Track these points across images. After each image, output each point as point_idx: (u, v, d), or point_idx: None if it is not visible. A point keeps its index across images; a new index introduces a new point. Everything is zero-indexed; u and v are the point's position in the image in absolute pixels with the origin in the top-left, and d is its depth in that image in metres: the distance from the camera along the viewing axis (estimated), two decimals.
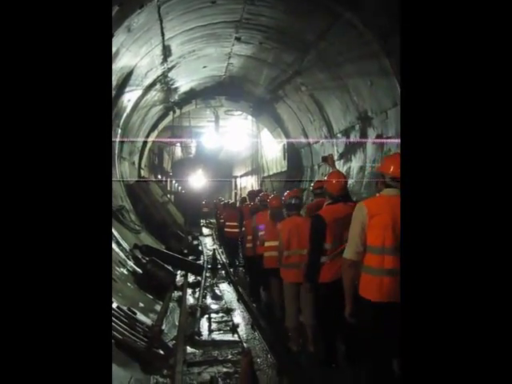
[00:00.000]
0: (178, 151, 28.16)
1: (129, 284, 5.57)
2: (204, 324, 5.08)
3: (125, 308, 4.45)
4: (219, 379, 3.50)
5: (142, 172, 14.82)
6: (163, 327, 4.65)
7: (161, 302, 5.58)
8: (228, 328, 4.97)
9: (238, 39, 9.51)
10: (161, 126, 15.12)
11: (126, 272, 5.90)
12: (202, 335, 4.55)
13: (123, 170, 11.07)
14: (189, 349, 4.07)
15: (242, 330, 4.93)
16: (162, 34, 8.28)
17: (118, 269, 5.67)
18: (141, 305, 5.08)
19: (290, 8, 7.74)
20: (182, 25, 8.27)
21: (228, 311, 5.69)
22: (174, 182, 30.22)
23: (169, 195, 23.25)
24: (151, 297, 5.72)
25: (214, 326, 5.10)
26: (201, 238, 16.37)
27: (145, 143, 14.43)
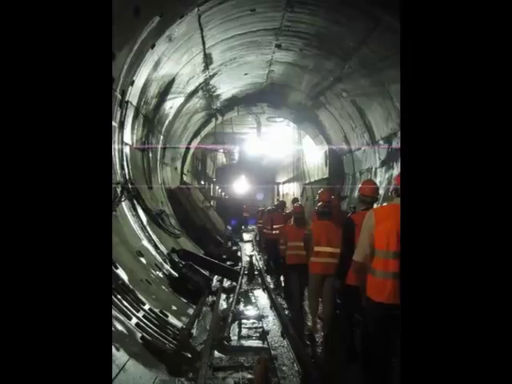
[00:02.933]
0: (222, 157, 28.58)
1: (163, 287, 5.68)
2: (235, 329, 5.10)
3: (157, 310, 4.55)
4: None
5: (185, 177, 15.13)
6: (194, 331, 4.70)
7: (194, 306, 5.64)
8: (258, 334, 4.95)
9: (278, 46, 9.55)
10: (203, 133, 15.40)
11: (161, 275, 6.02)
12: (231, 341, 4.55)
13: (165, 176, 11.34)
14: (216, 353, 4.09)
15: (271, 337, 4.89)
16: (203, 43, 8.45)
17: (153, 272, 5.80)
18: (174, 308, 5.17)
19: (329, 14, 7.70)
20: (223, 33, 8.41)
21: (260, 318, 5.67)
22: (217, 187, 30.67)
23: (212, 201, 23.66)
24: (185, 300, 5.80)
25: (244, 331, 5.10)
26: (241, 243, 16.44)
27: (187, 149, 14.73)
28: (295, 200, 10.91)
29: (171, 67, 8.44)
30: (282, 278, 7.85)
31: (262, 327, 5.24)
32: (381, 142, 9.52)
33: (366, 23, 7.26)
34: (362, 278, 3.13)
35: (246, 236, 20.10)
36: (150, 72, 7.65)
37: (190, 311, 5.41)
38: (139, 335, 3.67)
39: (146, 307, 4.38)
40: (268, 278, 8.88)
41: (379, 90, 8.72)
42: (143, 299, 4.48)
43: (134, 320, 3.90)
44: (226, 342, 4.39)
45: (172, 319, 4.65)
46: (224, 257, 10.89)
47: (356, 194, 11.45)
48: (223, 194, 32.73)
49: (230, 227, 18.99)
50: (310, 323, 5.45)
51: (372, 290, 2.98)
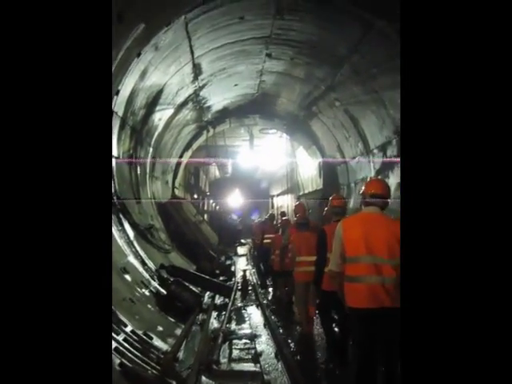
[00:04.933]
0: (215, 171, 28.32)
1: (149, 306, 5.33)
2: (225, 351, 4.74)
3: (140, 332, 4.21)
4: None
5: (177, 191, 14.81)
6: (180, 354, 4.36)
7: (183, 326, 5.30)
8: (250, 356, 4.59)
9: (268, 55, 9.36)
10: (195, 146, 15.14)
11: (147, 293, 5.67)
12: (220, 364, 4.21)
13: (155, 189, 11.04)
14: (204, 379, 3.74)
15: (264, 359, 4.54)
16: (192, 52, 8.24)
17: (139, 290, 5.45)
18: (159, 328, 4.81)
19: (320, 21, 7.53)
20: (211, 42, 8.21)
21: (252, 337, 5.32)
22: (211, 201, 30.35)
23: (205, 215, 23.31)
24: (173, 320, 5.45)
25: (235, 353, 4.74)
26: (235, 258, 16.08)
27: (179, 162, 14.45)
28: (283, 214, 11.77)
29: (159, 77, 8.20)
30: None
31: (254, 348, 4.91)
32: (375, 150, 9.30)
33: (357, 29, 7.08)
34: (339, 284, 3.23)
35: (241, 250, 19.73)
36: (137, 82, 7.40)
37: (178, 331, 5.06)
38: (117, 361, 3.33)
39: (128, 329, 4.04)
40: (262, 294, 8.55)
41: (372, 97, 8.53)
42: (125, 320, 4.14)
43: (113, 344, 3.57)
44: (214, 366, 4.04)
45: (157, 341, 4.30)
46: (217, 272, 10.56)
47: (351, 204, 11.24)
48: (217, 207, 32.42)
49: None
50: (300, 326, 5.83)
51: (349, 297, 3.09)
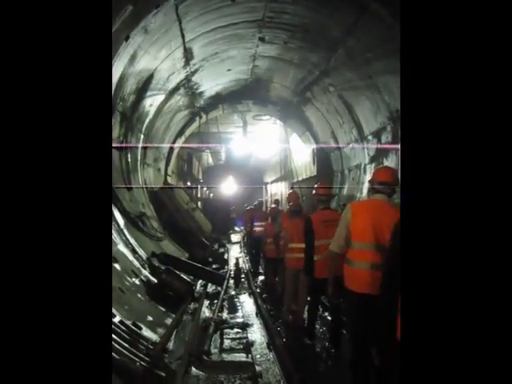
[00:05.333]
0: (209, 158, 28.12)
1: (139, 295, 5.23)
2: (217, 341, 4.67)
3: (129, 322, 4.12)
4: None
5: (169, 179, 14.65)
6: (171, 344, 4.29)
7: (173, 315, 5.21)
8: (242, 346, 4.52)
9: (261, 39, 9.15)
10: (188, 132, 14.93)
11: (138, 282, 5.57)
12: (211, 355, 4.13)
13: (147, 177, 10.88)
14: (193, 370, 3.67)
15: (256, 349, 4.48)
16: (182, 36, 8.02)
17: (128, 279, 5.35)
18: (149, 318, 4.73)
19: (313, 3, 7.33)
20: (203, 26, 7.99)
21: (244, 327, 5.25)
22: (204, 188, 30.21)
23: (199, 202, 23.18)
24: (163, 309, 5.36)
25: (226, 343, 4.67)
26: (228, 245, 16.03)
27: (171, 149, 14.26)
28: (276, 202, 11.80)
29: (149, 62, 7.99)
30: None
31: (246, 337, 4.84)
32: (370, 137, 9.19)
33: (351, 11, 6.91)
34: (334, 268, 3.35)
35: (235, 237, 19.67)
36: (126, 66, 7.19)
37: (169, 321, 4.98)
38: None
39: (116, 319, 3.95)
40: (255, 282, 8.49)
41: (367, 83, 8.39)
42: (113, 310, 4.04)
43: None
44: (205, 357, 3.97)
45: (146, 332, 4.21)
46: (210, 259, 10.50)
47: (345, 191, 11.16)
48: (211, 195, 32.29)
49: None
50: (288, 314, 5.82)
51: (349, 281, 3.15)
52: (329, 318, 5.15)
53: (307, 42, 8.81)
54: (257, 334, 5.06)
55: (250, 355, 4.26)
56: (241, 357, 4.26)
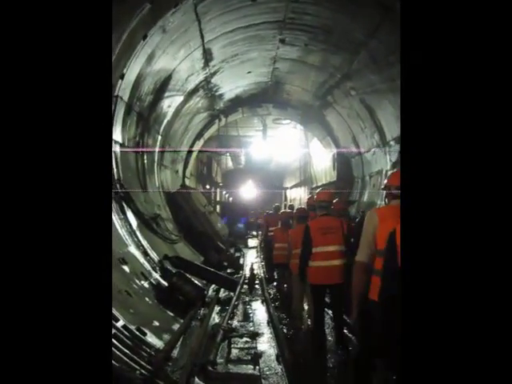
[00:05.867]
0: (228, 161, 28.06)
1: (147, 299, 5.07)
2: (224, 350, 4.47)
3: (133, 327, 3.97)
4: None
5: (188, 181, 14.60)
6: (176, 351, 4.11)
7: (182, 321, 5.05)
8: (249, 357, 4.29)
9: (282, 41, 8.99)
10: (207, 135, 14.86)
11: (147, 285, 5.43)
12: (216, 365, 3.93)
13: (163, 179, 10.81)
14: (197, 381, 3.47)
15: (264, 361, 4.25)
16: (202, 36, 7.91)
17: (137, 282, 5.21)
18: (155, 323, 4.56)
19: (336, 4, 7.14)
20: (222, 26, 7.87)
21: (254, 336, 5.04)
22: (224, 192, 30.18)
23: (217, 206, 23.11)
24: (172, 314, 5.20)
25: (234, 353, 4.46)
26: (245, 250, 15.84)
27: (190, 151, 14.20)
28: (291, 207, 12.01)
29: (167, 62, 7.91)
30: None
31: (255, 348, 4.62)
32: (392, 142, 8.89)
33: (375, 12, 6.68)
34: (363, 279, 3.02)
35: (252, 242, 19.48)
36: (143, 66, 7.12)
37: (176, 327, 4.81)
38: None
39: (119, 324, 3.80)
40: (269, 289, 8.27)
41: (389, 86, 8.11)
42: (117, 314, 3.90)
43: None
44: (210, 367, 3.77)
45: (150, 337, 4.05)
46: (225, 264, 10.33)
47: (365, 198, 10.85)
48: (230, 198, 32.23)
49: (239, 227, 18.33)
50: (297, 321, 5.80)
51: (375, 291, 2.77)
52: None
53: (329, 45, 8.61)
54: (266, 344, 4.83)
55: (257, 367, 4.05)
56: (248, 369, 4.04)
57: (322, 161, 15.53)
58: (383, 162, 9.59)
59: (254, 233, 22.68)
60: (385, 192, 3.27)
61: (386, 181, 3.27)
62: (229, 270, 9.91)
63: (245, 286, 8.35)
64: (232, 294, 7.21)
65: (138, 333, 3.94)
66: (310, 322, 5.31)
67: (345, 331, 4.80)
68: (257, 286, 8.49)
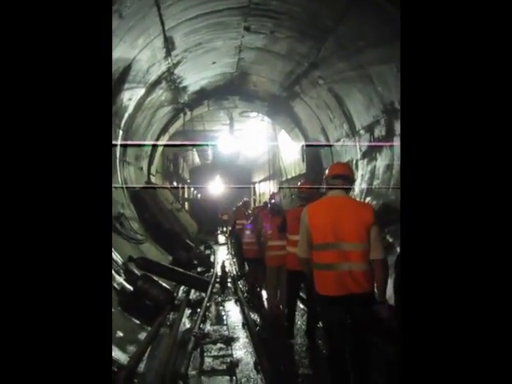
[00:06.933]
0: (195, 157, 27.49)
1: None
2: (196, 360, 4.08)
3: None
4: None
5: (153, 178, 14.04)
6: (142, 365, 3.71)
7: (149, 328, 4.63)
8: (225, 366, 3.92)
9: (247, 29, 8.60)
10: (172, 130, 14.33)
11: None
12: (188, 378, 3.55)
13: (127, 176, 10.26)
14: None
15: (241, 370, 3.88)
16: (162, 23, 7.42)
17: None
18: (119, 334, 4.13)
19: None
20: (184, 12, 7.41)
21: (229, 341, 4.68)
22: (191, 189, 29.63)
23: (186, 202, 22.58)
24: (138, 322, 4.77)
25: (207, 362, 4.07)
26: (216, 246, 15.45)
27: (154, 147, 13.64)
28: (266, 203, 12.32)
29: (125, 51, 7.39)
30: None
31: (230, 355, 4.27)
32: (362, 131, 8.70)
33: None
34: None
35: (222, 238, 19.09)
36: None
37: (143, 336, 4.40)
38: None
39: None
40: (242, 287, 7.94)
41: (358, 73, 7.90)
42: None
43: None
44: (180, 382, 3.39)
45: (113, 351, 3.63)
46: (195, 262, 9.92)
47: None
48: (198, 195, 31.71)
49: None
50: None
51: (318, 285, 3.02)
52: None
53: (295, 32, 8.30)
54: (243, 350, 4.48)
55: (234, 378, 3.69)
56: (224, 381, 3.67)
57: (291, 153, 15.30)
58: (353, 151, 9.41)
59: (224, 228, 22.32)
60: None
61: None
62: (199, 269, 9.51)
63: (217, 285, 7.99)
64: (203, 294, 6.82)
65: None
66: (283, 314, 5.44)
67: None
68: (229, 285, 8.15)
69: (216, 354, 4.34)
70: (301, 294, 5.61)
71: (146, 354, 3.95)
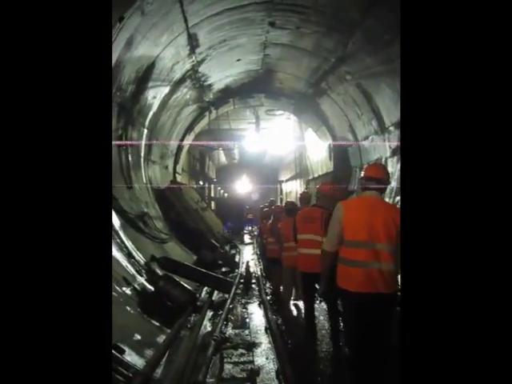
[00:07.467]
0: (221, 157, 27.49)
1: (128, 308, 4.50)
2: (216, 366, 3.92)
3: None
4: None
5: (179, 177, 14.03)
6: (159, 370, 3.58)
7: (169, 331, 4.51)
8: (245, 374, 3.73)
9: (272, 24, 8.40)
10: (197, 129, 14.28)
11: (129, 292, 4.86)
12: None
13: (152, 175, 10.24)
14: None
15: (262, 379, 3.68)
16: (185, 20, 7.33)
17: (118, 289, 4.63)
18: (136, 337, 4.01)
19: None
20: (207, 8, 7.28)
21: (250, 347, 4.50)
22: (218, 188, 29.67)
23: (212, 202, 22.58)
24: (157, 324, 4.65)
25: (227, 369, 3.90)
26: (241, 246, 15.32)
27: (180, 146, 13.62)
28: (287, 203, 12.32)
29: (149, 48, 7.32)
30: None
31: (251, 362, 4.09)
32: (391, 128, 8.37)
33: None
34: (327, 266, 3.29)
35: (248, 238, 18.96)
36: (122, 52, 6.53)
37: (162, 339, 4.28)
38: None
39: None
40: (267, 288, 7.75)
41: (387, 68, 7.59)
42: None
43: None
44: None
45: (129, 355, 3.49)
46: (219, 262, 9.80)
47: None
48: (225, 194, 31.74)
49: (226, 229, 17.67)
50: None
51: (343, 280, 3.07)
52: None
53: (321, 26, 8.05)
54: (264, 357, 4.29)
55: None
56: None
57: (318, 151, 15.01)
58: (382, 149, 9.08)
59: (250, 228, 22.20)
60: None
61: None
62: (224, 269, 9.39)
63: (241, 286, 7.84)
64: (227, 295, 6.68)
65: (114, 351, 3.40)
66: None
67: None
68: (253, 286, 7.98)
69: (236, 360, 4.17)
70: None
71: (164, 359, 3.81)
